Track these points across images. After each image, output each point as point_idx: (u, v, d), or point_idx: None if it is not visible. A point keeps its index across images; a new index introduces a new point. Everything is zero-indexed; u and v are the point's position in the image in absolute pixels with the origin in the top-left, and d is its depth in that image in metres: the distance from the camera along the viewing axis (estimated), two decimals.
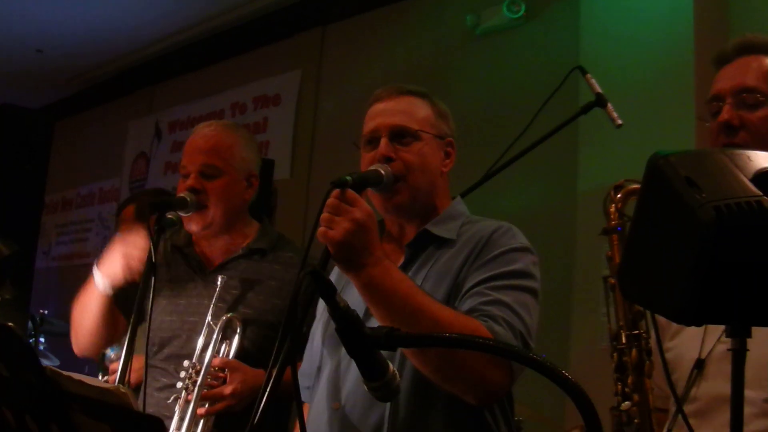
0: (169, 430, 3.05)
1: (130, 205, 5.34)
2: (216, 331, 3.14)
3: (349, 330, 1.63)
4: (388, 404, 2.42)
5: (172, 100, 9.35)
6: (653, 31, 4.75)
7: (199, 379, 3.06)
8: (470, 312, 2.36)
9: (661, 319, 2.53)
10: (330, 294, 1.62)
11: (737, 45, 2.50)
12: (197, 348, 3.14)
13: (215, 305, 3.19)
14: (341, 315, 1.62)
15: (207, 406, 3.05)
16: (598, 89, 3.41)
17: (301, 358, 2.85)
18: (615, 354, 2.46)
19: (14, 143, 5.45)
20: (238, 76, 8.42)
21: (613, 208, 2.56)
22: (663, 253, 1.54)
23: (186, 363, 3.11)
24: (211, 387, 3.07)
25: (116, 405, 1.37)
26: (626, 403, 2.46)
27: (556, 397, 4.53)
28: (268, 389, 2.03)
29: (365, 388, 2.43)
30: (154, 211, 3.16)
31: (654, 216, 1.58)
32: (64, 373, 1.51)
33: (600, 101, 3.40)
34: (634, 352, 2.43)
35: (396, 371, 1.73)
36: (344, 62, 7.38)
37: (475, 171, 3.60)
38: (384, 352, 1.69)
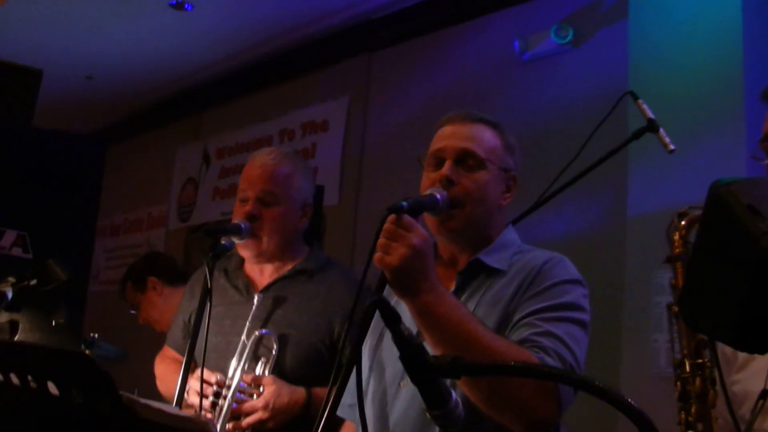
0: None
1: (128, 283, 5.44)
2: (247, 348, 3.17)
3: (413, 358, 1.64)
4: (438, 431, 2.43)
5: (220, 127, 9.40)
6: (703, 55, 4.72)
7: (229, 394, 3.09)
8: (521, 342, 2.37)
9: (728, 350, 2.52)
10: (395, 322, 1.64)
11: None
12: (231, 366, 3.18)
13: (252, 324, 3.24)
14: (405, 343, 1.63)
15: (242, 419, 3.09)
16: (651, 115, 3.42)
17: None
18: (678, 383, 2.42)
19: (66, 169, 5.53)
20: (285, 103, 8.46)
21: (677, 236, 2.52)
22: (724, 280, 1.53)
23: (214, 378, 3.15)
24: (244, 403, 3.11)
25: None
26: None
27: (606, 427, 4.51)
28: (327, 409, 2.03)
29: (414, 414, 2.47)
30: (208, 236, 3.23)
31: (715, 244, 1.57)
32: (141, 400, 1.52)
33: (652, 127, 3.40)
34: (698, 381, 2.39)
35: (459, 400, 1.74)
36: (391, 88, 7.38)
37: (523, 197, 3.60)
38: None
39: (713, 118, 4.55)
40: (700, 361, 2.38)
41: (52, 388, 1.59)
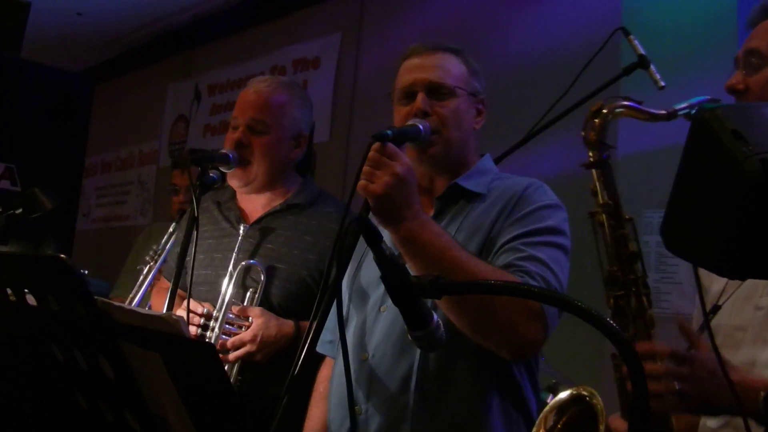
0: None
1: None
2: (234, 278, 3.17)
3: (394, 278, 1.63)
4: (417, 355, 2.47)
5: (211, 63, 9.35)
6: None
7: (216, 325, 3.09)
8: (506, 267, 2.39)
9: (704, 282, 2.51)
10: (376, 241, 1.63)
11: (761, 7, 2.49)
12: (219, 298, 3.17)
13: (239, 256, 3.23)
14: (387, 263, 1.62)
15: (230, 353, 3.09)
16: (641, 51, 3.39)
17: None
18: (611, 300, 2.27)
19: (55, 103, 5.49)
20: (277, 39, 8.40)
21: (593, 136, 2.34)
22: (708, 205, 1.53)
23: (201, 309, 3.14)
24: (233, 335, 3.11)
25: (167, 333, 1.39)
26: None
27: (591, 358, 4.53)
28: (308, 341, 2.04)
29: (393, 339, 2.49)
30: (195, 164, 3.20)
31: (699, 169, 1.57)
32: (115, 303, 1.53)
33: (643, 63, 3.37)
34: (633, 299, 2.25)
35: (440, 321, 1.75)
36: (384, 25, 7.33)
37: (513, 132, 3.60)
38: None
39: (707, 54, 4.54)
40: (633, 276, 2.27)
41: (30, 299, 1.59)
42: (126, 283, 5.37)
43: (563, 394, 2.57)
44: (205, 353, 1.38)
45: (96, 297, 1.48)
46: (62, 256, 1.40)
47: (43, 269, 1.54)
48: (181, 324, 1.36)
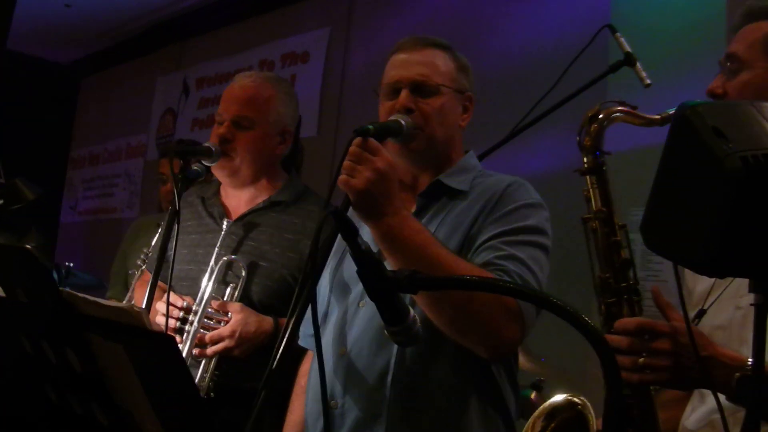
0: None
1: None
2: (215, 273, 3.15)
3: (370, 272, 1.62)
4: (395, 350, 2.45)
5: (200, 57, 9.33)
6: None
7: (195, 320, 3.08)
8: (485, 266, 2.38)
9: (689, 285, 2.50)
10: (352, 235, 1.62)
11: (742, 12, 2.49)
12: (199, 291, 3.17)
13: (220, 251, 3.22)
14: (363, 257, 1.61)
15: (208, 348, 3.08)
16: (627, 48, 3.38)
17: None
18: (603, 306, 2.23)
19: (42, 97, 5.44)
20: (266, 34, 8.39)
21: (588, 141, 2.34)
22: (689, 203, 1.52)
23: (180, 302, 3.13)
24: (212, 330, 3.10)
25: (130, 324, 1.38)
26: None
27: (578, 357, 4.52)
28: (287, 335, 2.02)
29: (372, 334, 2.48)
30: (179, 157, 3.18)
31: (680, 166, 1.56)
32: (80, 295, 1.52)
33: (629, 60, 3.37)
34: (625, 309, 2.20)
35: (416, 316, 1.73)
36: (373, 20, 7.32)
37: (501, 128, 3.58)
38: None
39: (695, 51, 4.53)
40: (624, 284, 2.22)
41: None
42: (118, 285, 5.37)
43: (555, 399, 2.57)
44: (165, 344, 1.38)
45: (61, 288, 1.47)
46: (27, 246, 1.39)
47: (9, 260, 1.53)
48: (143, 315, 1.36)
